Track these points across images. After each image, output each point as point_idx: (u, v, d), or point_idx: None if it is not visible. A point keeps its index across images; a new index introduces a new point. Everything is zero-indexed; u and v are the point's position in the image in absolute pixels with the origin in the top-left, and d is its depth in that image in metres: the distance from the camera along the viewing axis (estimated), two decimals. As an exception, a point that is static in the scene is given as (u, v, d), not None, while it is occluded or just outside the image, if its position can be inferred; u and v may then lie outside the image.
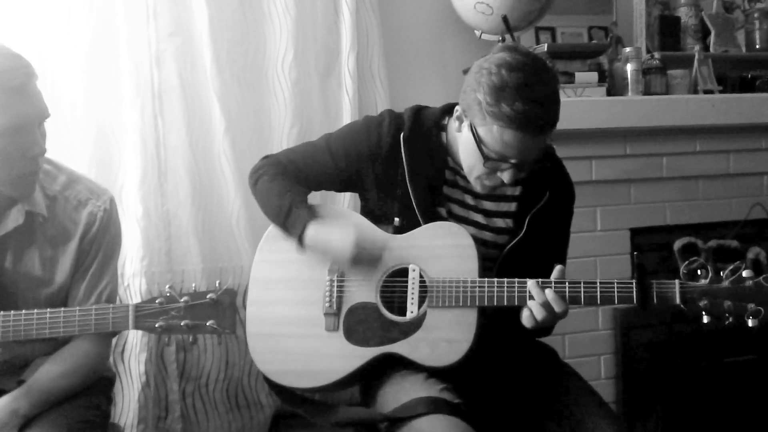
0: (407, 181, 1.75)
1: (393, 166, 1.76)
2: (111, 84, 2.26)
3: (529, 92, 1.54)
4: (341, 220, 1.79)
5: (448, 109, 1.82)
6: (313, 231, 1.71)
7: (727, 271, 1.58)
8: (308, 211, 1.75)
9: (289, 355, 1.76)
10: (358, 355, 1.71)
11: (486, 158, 1.61)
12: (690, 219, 2.76)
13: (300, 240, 1.73)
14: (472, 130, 1.62)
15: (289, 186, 1.79)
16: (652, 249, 2.64)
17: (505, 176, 1.64)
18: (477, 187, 1.71)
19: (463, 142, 1.68)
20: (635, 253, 1.63)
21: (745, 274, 1.56)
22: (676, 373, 2.71)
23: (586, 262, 2.63)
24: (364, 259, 1.70)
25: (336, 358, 1.72)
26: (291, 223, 1.74)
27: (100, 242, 1.73)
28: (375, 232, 1.77)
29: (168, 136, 2.31)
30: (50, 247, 1.69)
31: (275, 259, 1.81)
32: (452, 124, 1.73)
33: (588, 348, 2.69)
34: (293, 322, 1.77)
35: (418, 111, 1.82)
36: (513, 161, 1.61)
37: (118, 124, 2.28)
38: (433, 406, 1.56)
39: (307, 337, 1.75)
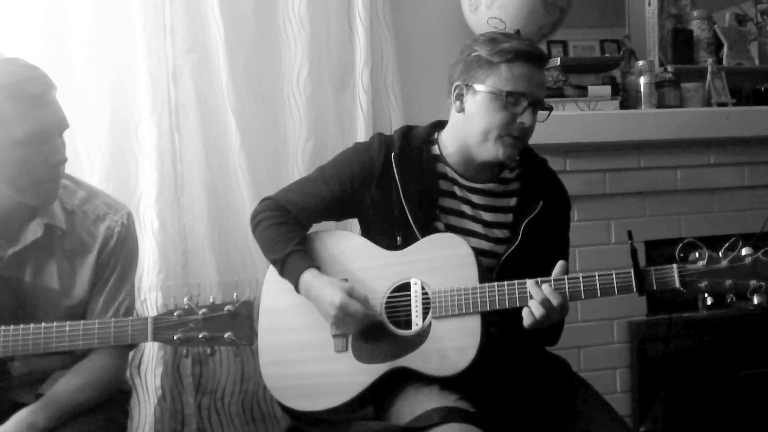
0: (402, 199, 1.78)
1: (387, 187, 1.80)
2: (128, 99, 2.29)
3: (516, 36, 1.79)
4: (340, 257, 1.83)
5: (438, 124, 1.89)
6: (305, 282, 1.76)
7: (724, 250, 1.56)
8: (302, 260, 1.78)
9: (301, 379, 1.79)
10: (369, 372, 1.73)
11: (507, 95, 1.68)
12: (704, 232, 2.75)
13: (296, 288, 1.78)
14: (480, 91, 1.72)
15: (286, 232, 1.83)
16: (666, 262, 2.63)
17: (526, 117, 1.70)
18: (498, 154, 1.73)
19: (471, 113, 1.75)
20: (631, 242, 1.62)
21: (743, 252, 1.55)
22: (692, 386, 2.70)
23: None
24: (345, 322, 1.73)
25: (347, 377, 1.74)
26: (287, 273, 1.80)
27: (118, 256, 1.75)
28: (373, 260, 1.80)
29: (185, 151, 2.34)
30: (68, 261, 1.71)
31: (281, 288, 1.83)
32: (453, 115, 1.81)
33: (603, 361, 2.68)
34: (303, 347, 1.81)
35: (408, 131, 1.88)
36: (528, 99, 1.70)
37: (135, 138, 2.30)
38: (448, 415, 1.57)
39: (318, 361, 1.78)
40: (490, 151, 1.74)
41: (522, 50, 1.69)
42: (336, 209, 1.89)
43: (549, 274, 1.64)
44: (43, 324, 1.58)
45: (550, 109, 1.79)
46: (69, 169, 1.85)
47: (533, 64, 1.71)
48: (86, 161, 2.27)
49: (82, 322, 1.60)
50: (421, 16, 2.70)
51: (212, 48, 2.34)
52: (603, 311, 2.65)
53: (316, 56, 2.45)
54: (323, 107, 2.48)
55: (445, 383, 1.68)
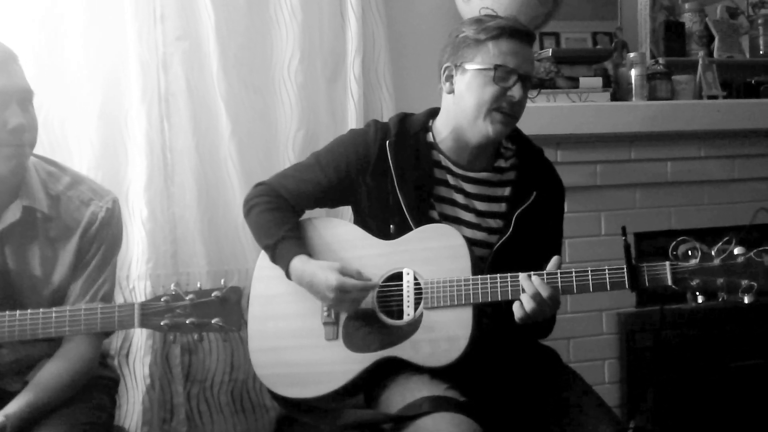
0: (396, 187, 1.77)
1: (382, 174, 1.80)
2: (118, 87, 2.28)
3: (499, 16, 1.81)
4: (333, 245, 1.82)
5: (433, 112, 1.89)
6: (296, 269, 1.75)
7: (717, 249, 1.57)
8: (293, 246, 1.78)
9: (291, 366, 1.79)
10: (359, 361, 1.73)
11: (495, 69, 1.69)
12: (695, 224, 2.77)
13: (287, 275, 1.78)
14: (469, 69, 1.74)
15: (279, 218, 1.83)
16: (656, 253, 2.64)
17: (515, 91, 1.71)
18: (489, 131, 1.73)
19: (461, 92, 1.76)
20: (624, 238, 1.62)
21: (736, 251, 1.56)
22: (681, 377, 2.71)
23: (591, 266, 2.62)
24: (345, 301, 1.72)
25: (337, 365, 1.74)
26: (277, 259, 1.79)
27: (101, 241, 1.74)
28: (367, 249, 1.79)
29: (174, 140, 2.32)
30: (52, 246, 1.70)
31: (272, 275, 1.83)
32: (444, 98, 1.81)
33: (592, 352, 2.69)
34: (294, 334, 1.80)
35: (404, 118, 1.88)
36: (517, 72, 1.71)
37: (125, 126, 2.29)
38: (438, 404, 1.57)
39: (308, 348, 1.78)
40: (481, 128, 1.73)
41: (507, 26, 1.72)
42: (331, 196, 1.88)
43: (542, 264, 1.64)
44: (29, 311, 1.56)
45: (540, 85, 1.79)
46: (58, 156, 1.85)
47: (519, 40, 1.72)
48: (75, 149, 2.26)
49: (68, 308, 1.59)
50: (414, 7, 2.69)
51: (203, 36, 2.32)
52: (592, 302, 2.66)
53: (308, 46, 2.44)
54: (315, 97, 2.46)
55: (435, 372, 1.68)
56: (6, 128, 1.57)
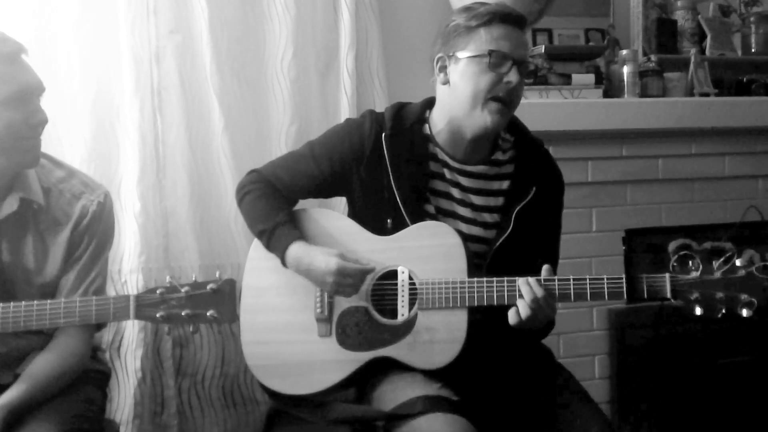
0: (391, 180, 1.74)
1: (377, 167, 1.76)
2: (111, 80, 2.27)
3: (489, 2, 1.74)
4: (326, 237, 1.79)
5: (430, 102, 1.84)
6: (294, 254, 1.73)
7: (719, 262, 1.54)
8: (291, 232, 1.75)
9: (283, 362, 1.77)
10: (352, 360, 1.71)
11: (489, 54, 1.65)
12: (685, 221, 2.78)
13: (283, 261, 1.75)
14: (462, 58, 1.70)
15: (274, 205, 1.80)
16: (647, 250, 2.66)
17: (512, 76, 1.67)
18: (486, 122, 1.69)
19: (456, 82, 1.72)
20: (624, 248, 1.62)
21: (738, 262, 1.54)
22: (670, 374, 2.72)
23: (582, 262, 2.64)
24: (345, 285, 1.70)
25: (330, 364, 1.73)
26: (273, 245, 1.76)
27: (92, 235, 1.73)
28: (361, 244, 1.77)
29: (167, 133, 2.32)
30: (43, 239, 1.70)
31: (265, 266, 1.80)
32: (438, 90, 1.78)
33: (583, 348, 2.70)
34: (286, 328, 1.78)
35: (400, 109, 1.83)
36: (512, 57, 1.67)
37: (117, 120, 2.28)
38: (432, 403, 1.56)
39: (301, 344, 1.76)
40: (478, 120, 1.69)
41: (498, 11, 1.68)
42: (324, 188, 1.85)
43: (540, 261, 1.62)
44: (23, 302, 1.56)
45: (535, 72, 1.77)
46: (50, 150, 1.84)
47: (512, 24, 1.69)
48: (67, 143, 2.25)
49: (63, 300, 1.59)
50: (407, 2, 2.69)
51: (196, 29, 2.32)
52: (583, 298, 2.67)
53: (301, 40, 2.43)
54: (307, 91, 2.46)
55: (427, 372, 1.67)
56: (31, 122, 1.59)
